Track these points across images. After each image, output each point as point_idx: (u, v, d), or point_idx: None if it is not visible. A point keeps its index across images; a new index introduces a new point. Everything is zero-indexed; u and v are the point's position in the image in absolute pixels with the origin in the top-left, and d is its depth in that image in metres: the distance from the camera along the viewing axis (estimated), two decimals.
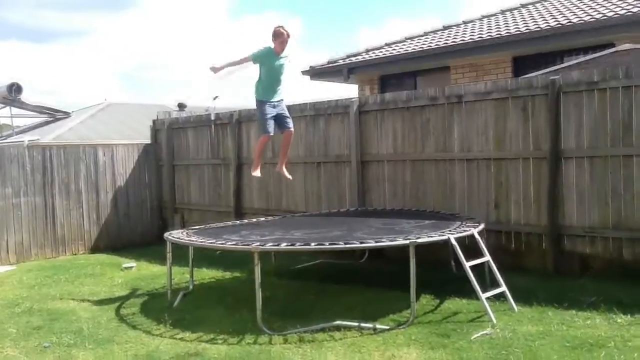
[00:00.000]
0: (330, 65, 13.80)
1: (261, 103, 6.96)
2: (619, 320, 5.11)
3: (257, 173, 7.35)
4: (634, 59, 7.49)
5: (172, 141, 11.48)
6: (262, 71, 6.94)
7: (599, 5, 10.88)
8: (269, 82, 6.96)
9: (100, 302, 6.73)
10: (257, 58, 6.88)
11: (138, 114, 18.38)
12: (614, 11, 9.98)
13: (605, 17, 9.79)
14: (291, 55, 7.09)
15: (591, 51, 9.49)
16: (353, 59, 13.55)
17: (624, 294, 5.79)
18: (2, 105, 16.82)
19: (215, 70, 7.04)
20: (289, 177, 7.54)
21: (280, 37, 6.84)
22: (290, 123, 7.18)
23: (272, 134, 7.05)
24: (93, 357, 4.88)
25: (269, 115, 6.94)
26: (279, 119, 7.06)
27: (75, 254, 10.33)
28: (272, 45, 6.86)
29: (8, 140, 16.08)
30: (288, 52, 7.00)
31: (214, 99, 16.71)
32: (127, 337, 5.38)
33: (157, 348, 5.02)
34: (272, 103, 6.97)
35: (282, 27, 6.91)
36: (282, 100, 7.10)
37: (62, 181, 10.32)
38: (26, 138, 14.98)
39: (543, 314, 5.41)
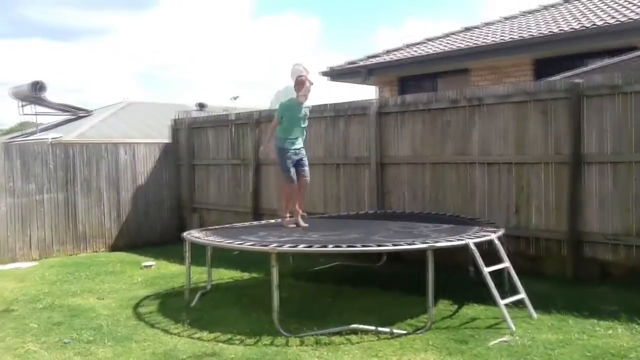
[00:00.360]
0: (350, 66, 13.80)
1: (283, 151, 7.07)
2: None
3: (288, 219, 7.38)
4: None
5: (192, 141, 11.56)
6: (285, 120, 7.06)
7: (623, 8, 10.73)
8: (291, 129, 7.08)
9: (120, 300, 6.80)
10: (281, 115, 7.06)
11: (158, 113, 18.55)
12: (638, 13, 9.84)
13: (629, 20, 9.65)
14: (310, 101, 7.30)
15: (614, 54, 9.36)
16: (372, 60, 13.54)
17: None
18: (26, 103, 17.08)
19: (267, 150, 7.56)
20: (306, 225, 7.22)
21: (301, 85, 6.99)
22: (307, 172, 7.30)
23: (296, 182, 7.17)
24: (112, 354, 4.93)
25: (291, 164, 7.07)
26: (297, 166, 7.16)
27: (95, 252, 10.46)
28: (292, 92, 7.02)
29: (32, 137, 16.33)
30: (309, 100, 7.17)
31: (234, 99, 16.85)
32: (145, 335, 5.44)
33: (174, 347, 5.06)
34: (295, 151, 7.10)
35: (304, 76, 7.01)
36: (302, 148, 7.23)
37: (84, 179, 10.46)
38: (49, 135, 15.21)
39: (563, 322, 5.35)
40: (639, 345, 4.68)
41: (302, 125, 7.22)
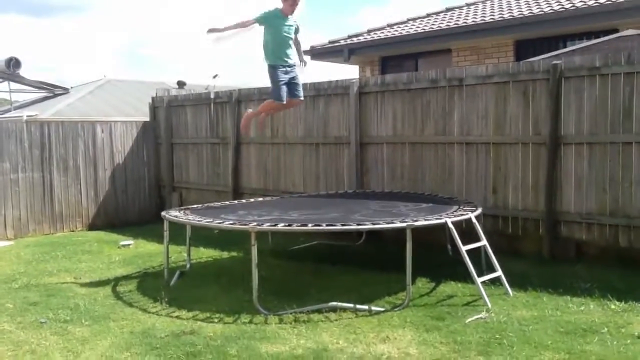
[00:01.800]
0: (331, 45, 13.71)
1: (273, 68, 6.49)
2: (612, 307, 5.14)
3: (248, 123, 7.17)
4: (637, 44, 7.43)
5: (171, 119, 11.43)
6: (269, 35, 6.46)
7: None
8: (278, 45, 6.46)
9: (97, 279, 6.75)
10: (262, 20, 6.39)
11: (137, 91, 18.28)
12: None
13: (609, 2, 9.70)
14: (299, 21, 6.65)
15: (594, 36, 9.42)
16: (354, 39, 13.46)
17: (618, 281, 5.83)
18: (1, 80, 16.71)
19: (214, 32, 6.53)
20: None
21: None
22: (300, 92, 6.76)
23: (284, 102, 6.61)
24: (89, 333, 4.90)
25: (282, 82, 6.50)
26: (290, 86, 6.60)
27: (72, 231, 10.35)
28: (279, 6, 6.44)
29: (6, 115, 16.00)
30: (296, 18, 6.58)
31: (214, 77, 16.63)
32: (124, 314, 5.41)
33: (153, 325, 5.05)
34: (285, 68, 6.51)
35: None
36: (294, 65, 6.63)
37: (60, 157, 10.30)
38: (24, 113, 14.91)
39: (538, 299, 5.44)
40: (610, 321, 4.78)
41: (289, 41, 6.54)
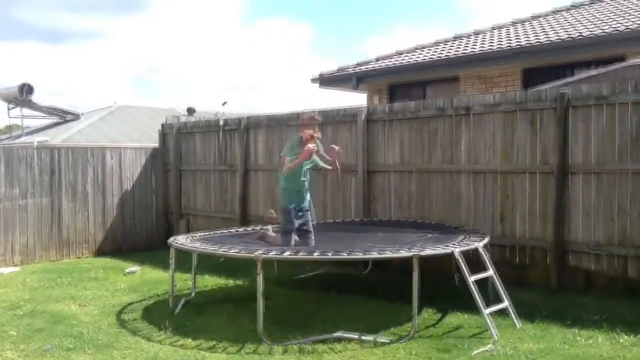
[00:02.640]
0: (340, 73, 13.80)
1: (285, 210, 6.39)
2: (621, 340, 5.04)
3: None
4: None
5: (180, 146, 11.51)
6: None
7: (610, 19, 10.81)
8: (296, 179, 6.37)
9: (102, 307, 6.73)
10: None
11: (147, 117, 18.47)
12: (625, 25, 9.92)
13: (616, 31, 9.72)
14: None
15: (602, 65, 9.42)
16: (363, 67, 13.55)
17: (628, 313, 5.73)
18: (13, 106, 16.94)
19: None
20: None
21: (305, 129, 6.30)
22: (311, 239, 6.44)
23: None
24: None
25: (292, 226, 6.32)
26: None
27: (79, 257, 10.36)
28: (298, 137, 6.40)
29: (17, 140, 16.19)
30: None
31: (223, 104, 16.79)
32: (127, 342, 5.38)
33: (156, 355, 5.01)
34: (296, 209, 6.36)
35: (311, 119, 6.33)
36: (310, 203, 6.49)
37: (70, 183, 10.36)
38: (35, 139, 15.08)
39: (545, 331, 5.35)
40: (619, 355, 4.69)
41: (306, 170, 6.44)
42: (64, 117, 18.14)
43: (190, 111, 18.82)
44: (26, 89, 16.17)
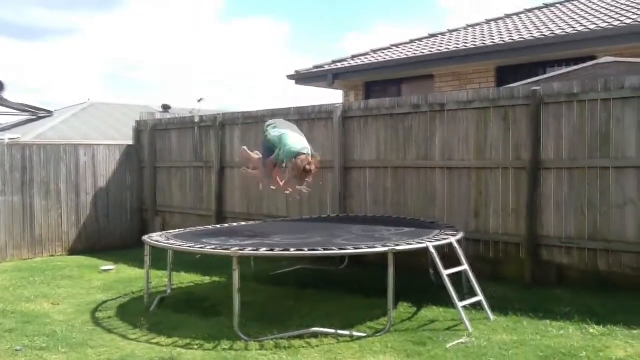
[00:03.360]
0: (316, 70, 13.83)
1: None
2: (591, 331, 5.16)
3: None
4: (614, 71, 7.59)
5: (155, 142, 11.41)
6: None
7: (582, 18, 11.02)
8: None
9: (76, 305, 6.65)
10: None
11: (121, 114, 18.28)
12: (595, 24, 10.12)
13: (587, 30, 9.91)
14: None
15: (573, 63, 9.60)
16: (338, 64, 13.59)
17: (597, 305, 5.86)
18: None
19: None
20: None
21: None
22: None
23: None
24: None
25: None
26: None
27: (52, 255, 10.22)
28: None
29: None
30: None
31: (199, 101, 16.67)
32: (102, 340, 5.32)
33: (131, 352, 4.97)
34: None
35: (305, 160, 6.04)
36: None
37: (42, 181, 10.21)
38: (6, 136, 14.81)
39: (518, 323, 5.45)
40: (589, 345, 4.80)
41: None
42: (36, 113, 17.85)
43: (165, 108, 18.66)
44: None
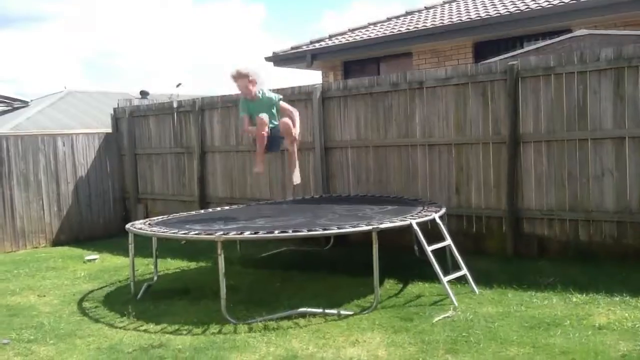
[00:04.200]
0: (294, 51, 13.75)
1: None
2: (574, 300, 5.27)
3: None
4: (589, 44, 7.66)
5: (134, 130, 11.30)
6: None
7: None
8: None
9: (62, 296, 6.62)
10: (244, 111, 6.39)
11: (99, 102, 18.01)
12: None
13: (562, 3, 9.96)
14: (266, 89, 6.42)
15: (549, 36, 9.66)
16: (317, 45, 13.52)
17: (580, 274, 5.99)
18: None
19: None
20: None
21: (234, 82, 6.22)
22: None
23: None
24: (55, 352, 4.81)
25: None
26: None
27: (36, 247, 10.13)
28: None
29: None
30: (261, 89, 6.31)
31: (177, 86, 16.46)
32: (90, 330, 5.32)
33: (120, 340, 4.98)
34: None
35: (235, 71, 6.16)
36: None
37: (21, 172, 10.07)
38: None
39: (503, 295, 5.55)
40: (572, 314, 4.91)
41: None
42: (12, 104, 17.53)
43: (144, 94, 18.40)
44: None
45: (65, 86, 19.50)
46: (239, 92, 6.41)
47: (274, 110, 6.47)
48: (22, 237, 10.05)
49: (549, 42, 8.54)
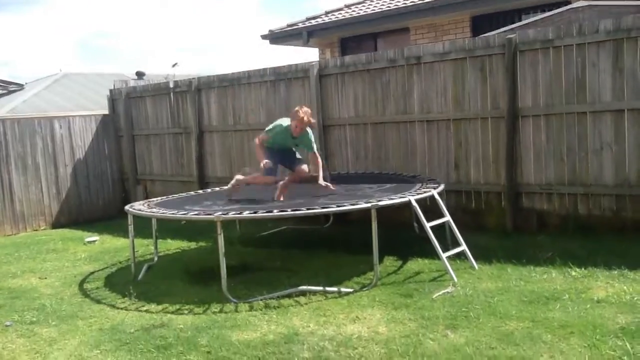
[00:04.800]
0: (290, 28, 13.61)
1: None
2: (573, 274, 5.29)
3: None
4: (588, 16, 7.58)
5: (131, 111, 11.25)
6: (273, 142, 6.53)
7: None
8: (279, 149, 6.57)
9: (63, 278, 6.65)
10: (272, 141, 6.50)
11: (95, 84, 17.88)
12: None
13: None
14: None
15: (548, 9, 9.55)
16: (313, 21, 13.38)
17: (579, 248, 6.00)
18: None
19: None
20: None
21: (299, 122, 6.29)
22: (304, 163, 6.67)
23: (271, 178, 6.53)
24: (57, 334, 4.84)
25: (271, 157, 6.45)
26: (287, 162, 6.65)
27: (36, 230, 10.16)
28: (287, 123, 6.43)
29: None
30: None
31: (173, 66, 16.36)
32: (92, 311, 5.35)
33: (122, 321, 5.01)
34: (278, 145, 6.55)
35: (300, 113, 6.27)
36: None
37: (18, 156, 10.06)
38: None
39: (502, 270, 5.56)
40: (571, 287, 4.93)
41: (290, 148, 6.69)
42: (7, 88, 17.39)
43: (140, 75, 18.27)
44: None
45: (60, 68, 19.43)
46: (293, 126, 6.39)
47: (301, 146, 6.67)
48: (21, 220, 10.07)
49: (547, 14, 8.45)
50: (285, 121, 6.50)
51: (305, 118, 6.29)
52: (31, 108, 15.18)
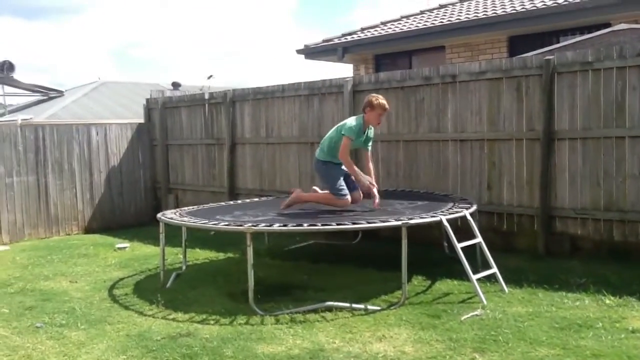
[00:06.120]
0: (325, 44, 13.71)
1: (324, 164, 6.54)
2: (607, 302, 5.15)
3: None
4: (629, 39, 7.45)
5: (166, 120, 11.42)
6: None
7: None
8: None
9: (93, 283, 6.75)
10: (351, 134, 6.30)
11: (132, 92, 18.29)
12: None
13: None
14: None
15: (587, 31, 9.44)
16: (348, 37, 13.46)
17: (613, 275, 5.83)
18: None
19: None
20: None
21: (383, 110, 6.29)
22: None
23: (349, 198, 6.38)
24: (85, 337, 4.90)
25: (340, 178, 6.41)
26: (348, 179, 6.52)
27: (68, 234, 10.34)
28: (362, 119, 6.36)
29: (0, 119, 15.98)
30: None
31: (209, 78, 16.57)
32: (120, 317, 5.40)
33: (149, 328, 5.05)
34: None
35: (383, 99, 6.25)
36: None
37: (56, 160, 10.28)
38: (19, 117, 14.90)
39: (533, 295, 5.45)
40: (605, 316, 4.79)
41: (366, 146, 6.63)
42: (47, 94, 17.92)
43: (176, 86, 18.63)
44: (7, 67, 15.94)
45: (99, 77, 19.86)
46: (372, 119, 6.41)
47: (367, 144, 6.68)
48: (55, 223, 10.27)
49: (586, 36, 8.35)
50: (351, 120, 6.43)
51: (387, 104, 6.26)
52: (70, 114, 15.58)
